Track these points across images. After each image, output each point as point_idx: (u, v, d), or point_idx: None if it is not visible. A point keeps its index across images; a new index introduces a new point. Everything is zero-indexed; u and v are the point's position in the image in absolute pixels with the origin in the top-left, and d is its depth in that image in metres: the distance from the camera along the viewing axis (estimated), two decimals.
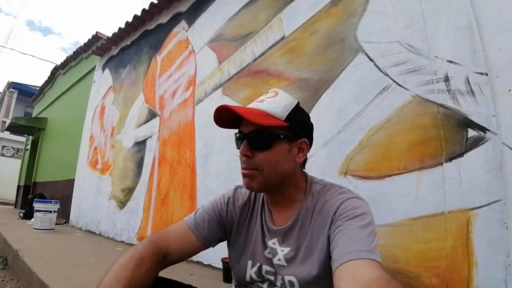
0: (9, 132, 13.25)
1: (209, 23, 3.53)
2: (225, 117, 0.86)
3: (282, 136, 0.83)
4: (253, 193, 0.99)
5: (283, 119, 0.82)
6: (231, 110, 0.82)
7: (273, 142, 0.83)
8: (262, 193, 0.97)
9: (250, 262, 0.91)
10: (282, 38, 2.61)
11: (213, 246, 0.97)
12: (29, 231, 4.53)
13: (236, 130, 0.89)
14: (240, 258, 0.94)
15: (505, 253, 1.33)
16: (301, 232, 0.85)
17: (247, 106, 0.86)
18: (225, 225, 0.97)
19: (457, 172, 1.52)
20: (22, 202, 8.95)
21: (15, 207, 9.77)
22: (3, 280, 2.71)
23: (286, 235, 0.87)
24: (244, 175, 0.86)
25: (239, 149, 0.86)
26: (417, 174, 1.66)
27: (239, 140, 0.87)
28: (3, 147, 18.07)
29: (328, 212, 0.81)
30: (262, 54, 2.77)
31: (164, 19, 4.44)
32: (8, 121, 11.92)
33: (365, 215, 0.77)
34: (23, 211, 6.43)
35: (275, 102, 0.84)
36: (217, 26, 3.38)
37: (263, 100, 0.85)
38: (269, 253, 0.89)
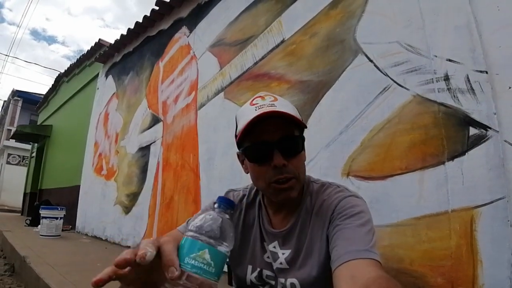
0: (14, 140, 13.37)
1: (209, 28, 3.56)
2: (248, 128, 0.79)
3: (303, 137, 0.84)
4: (245, 196, 0.97)
5: (301, 119, 0.82)
6: (279, 115, 0.76)
7: (303, 145, 0.83)
8: (258, 197, 0.95)
9: (250, 267, 0.90)
10: (282, 42, 2.62)
11: None
12: (36, 237, 4.56)
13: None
14: (239, 262, 0.92)
15: (510, 251, 1.32)
16: (301, 234, 0.84)
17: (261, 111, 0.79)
18: None
19: (460, 171, 1.52)
20: (28, 209, 9.01)
21: (22, 214, 9.84)
22: (10, 287, 2.73)
23: (286, 238, 0.86)
24: (283, 189, 0.79)
25: (262, 161, 0.80)
26: (419, 173, 1.66)
27: (264, 151, 0.79)
28: (9, 155, 18.22)
29: (326, 212, 0.81)
30: (263, 57, 2.79)
31: (165, 25, 4.48)
32: (13, 129, 12.03)
33: (363, 213, 0.76)
34: (30, 218, 6.48)
35: (285, 105, 0.81)
36: (217, 31, 3.40)
37: (273, 104, 0.79)
38: (268, 257, 0.87)
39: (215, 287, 0.49)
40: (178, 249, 0.49)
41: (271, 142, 0.78)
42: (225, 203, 0.55)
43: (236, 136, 0.87)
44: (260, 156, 0.80)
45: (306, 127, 0.83)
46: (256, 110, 0.79)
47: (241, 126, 0.81)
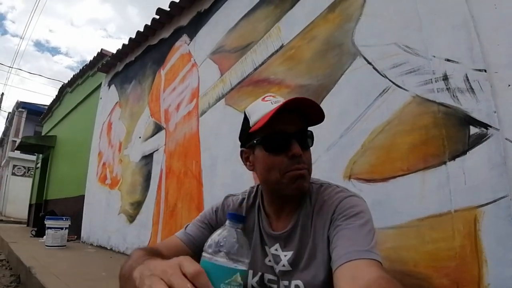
0: (19, 152, 13.46)
1: (209, 35, 3.59)
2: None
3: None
4: (244, 200, 0.97)
5: None
6: (287, 110, 0.80)
7: (313, 140, 0.87)
8: (257, 199, 0.95)
9: (250, 272, 0.89)
10: (281, 47, 2.64)
11: None
12: (41, 248, 4.57)
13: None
14: None
15: None
16: (303, 235, 0.84)
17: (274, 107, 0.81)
18: None
19: (461, 171, 1.51)
20: (34, 220, 9.03)
21: (27, 226, 9.86)
22: None
23: (288, 239, 0.86)
24: (299, 176, 0.81)
25: (279, 151, 0.81)
26: (421, 174, 1.65)
27: (282, 141, 0.81)
28: (14, 166, 18.34)
29: (327, 212, 0.81)
30: (262, 63, 2.80)
31: (166, 34, 4.53)
32: (18, 141, 12.12)
33: (363, 213, 0.77)
34: (35, 229, 6.50)
35: None
36: (217, 38, 3.43)
37: None
38: (270, 261, 0.87)
39: None
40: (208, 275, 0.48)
41: (290, 133, 0.81)
42: (236, 218, 0.57)
43: (245, 130, 0.88)
44: (278, 146, 0.82)
45: (323, 120, 0.86)
46: (272, 104, 0.83)
47: (256, 117, 0.84)
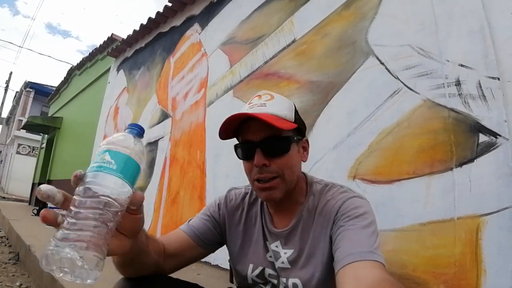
0: (25, 131, 13.55)
1: (221, 26, 3.57)
2: (231, 126, 0.84)
3: (294, 138, 0.84)
4: (247, 195, 0.97)
5: (292, 120, 0.83)
6: (254, 118, 0.78)
7: (290, 146, 0.82)
8: None
9: (251, 266, 0.90)
10: (293, 41, 2.62)
11: (213, 251, 0.96)
12: (42, 227, 4.59)
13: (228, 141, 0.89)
14: (240, 261, 0.92)
15: None
16: (303, 234, 0.84)
17: (250, 112, 0.81)
18: (220, 227, 0.95)
19: (467, 178, 1.50)
20: (36, 199, 9.12)
21: (29, 204, 9.96)
22: (14, 275, 2.77)
23: (288, 237, 0.86)
24: (264, 188, 0.81)
25: (246, 159, 0.84)
26: (426, 179, 1.64)
27: (248, 149, 0.82)
28: (19, 145, 18.51)
29: (330, 212, 0.81)
30: (273, 57, 2.78)
31: (177, 22, 4.50)
32: (24, 120, 12.19)
33: (366, 215, 0.76)
34: (37, 207, 6.57)
35: (279, 105, 0.83)
36: (229, 29, 3.41)
37: (264, 104, 0.82)
38: (270, 256, 0.88)
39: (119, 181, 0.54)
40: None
41: (254, 142, 0.81)
42: (136, 127, 0.61)
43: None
44: (245, 154, 0.84)
45: (293, 128, 0.82)
46: (247, 110, 0.83)
47: None
